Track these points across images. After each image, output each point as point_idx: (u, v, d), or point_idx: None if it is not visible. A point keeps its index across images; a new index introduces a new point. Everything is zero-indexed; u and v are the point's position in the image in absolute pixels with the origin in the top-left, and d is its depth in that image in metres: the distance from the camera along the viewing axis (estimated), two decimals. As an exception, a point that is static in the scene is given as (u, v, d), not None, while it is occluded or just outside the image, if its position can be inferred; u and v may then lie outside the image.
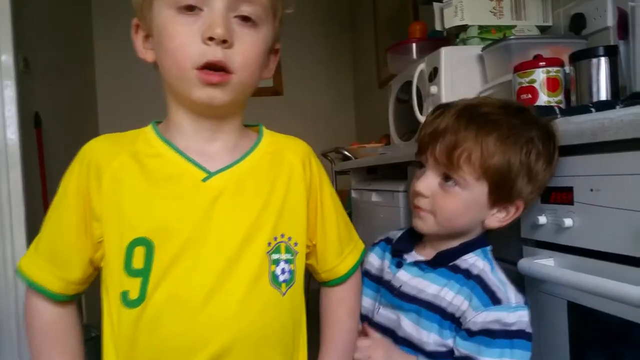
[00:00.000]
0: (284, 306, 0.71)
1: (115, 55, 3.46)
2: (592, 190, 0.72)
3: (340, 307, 0.82)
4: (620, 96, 1.05)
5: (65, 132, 2.95)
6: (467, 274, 0.78)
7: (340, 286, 0.81)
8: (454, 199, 0.77)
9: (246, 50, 0.66)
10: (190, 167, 0.69)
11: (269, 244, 0.70)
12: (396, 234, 0.91)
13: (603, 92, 1.07)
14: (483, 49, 1.47)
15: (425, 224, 0.81)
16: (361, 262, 0.83)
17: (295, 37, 3.65)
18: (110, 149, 0.70)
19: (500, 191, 0.76)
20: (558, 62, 1.19)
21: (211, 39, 0.63)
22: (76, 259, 0.69)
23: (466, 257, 0.79)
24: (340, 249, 0.80)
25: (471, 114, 0.76)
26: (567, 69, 1.17)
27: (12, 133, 1.89)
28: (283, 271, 0.71)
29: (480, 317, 0.73)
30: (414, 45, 1.84)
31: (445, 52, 1.52)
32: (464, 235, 0.82)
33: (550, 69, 1.17)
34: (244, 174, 0.71)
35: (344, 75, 3.91)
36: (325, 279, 0.81)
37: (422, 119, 1.63)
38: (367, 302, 0.89)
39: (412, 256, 0.85)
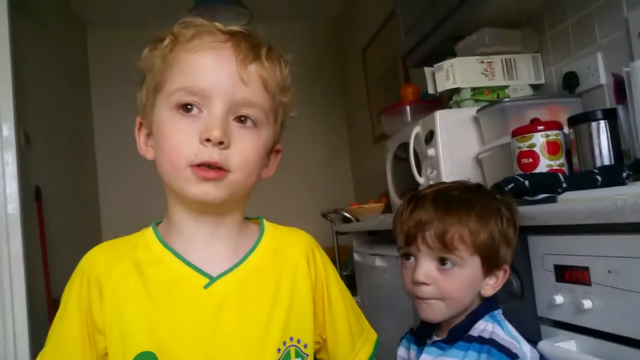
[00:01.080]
0: None
1: (115, 129, 3.51)
2: (610, 271, 0.69)
3: None
4: (624, 159, 1.04)
5: (66, 204, 2.94)
6: (480, 340, 0.78)
7: None
8: (456, 279, 0.79)
9: (244, 150, 0.65)
10: (192, 273, 0.66)
11: (279, 350, 0.66)
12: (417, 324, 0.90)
13: (606, 155, 1.06)
14: (478, 111, 1.47)
15: (435, 311, 0.80)
16: (375, 353, 0.80)
17: (288, 97, 3.70)
18: (110, 259, 0.68)
19: (490, 261, 0.80)
20: (556, 125, 1.18)
21: (208, 140, 0.62)
22: None
23: (477, 325, 0.80)
24: (352, 344, 0.76)
25: (446, 200, 0.81)
26: (567, 130, 1.17)
27: (14, 209, 1.90)
28: None
29: None
30: (407, 108, 1.85)
31: (440, 115, 1.52)
32: (467, 309, 0.82)
33: (549, 132, 1.17)
34: (246, 276, 0.68)
35: (338, 132, 3.94)
36: None
37: (421, 180, 1.62)
38: None
39: (432, 339, 0.84)
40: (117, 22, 3.58)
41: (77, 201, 3.23)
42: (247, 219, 0.75)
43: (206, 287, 0.66)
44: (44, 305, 2.40)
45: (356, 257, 2.10)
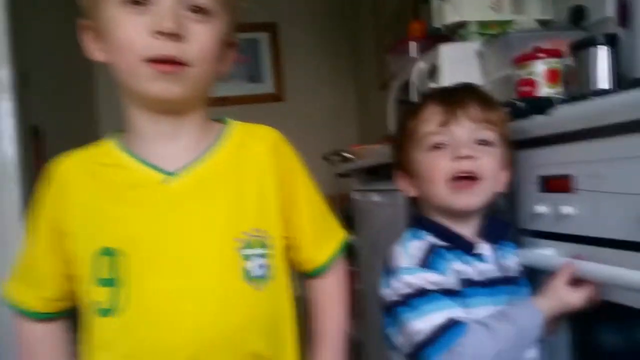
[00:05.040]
0: (263, 302, 0.69)
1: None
2: (593, 176, 0.69)
3: (325, 298, 0.80)
4: (622, 85, 1.02)
5: (67, 144, 2.95)
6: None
7: (323, 277, 0.79)
8: (494, 158, 0.78)
9: (201, 43, 0.63)
10: (149, 171, 0.68)
11: (238, 240, 0.68)
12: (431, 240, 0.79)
13: (604, 81, 1.04)
14: (482, 44, 1.45)
15: (474, 194, 0.77)
16: (344, 250, 0.80)
17: (295, 42, 3.65)
18: (72, 165, 0.71)
19: (504, 157, 0.80)
20: (557, 53, 1.17)
21: (160, 33, 0.60)
22: (48, 276, 0.72)
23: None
24: (317, 239, 0.77)
25: (479, 89, 0.86)
26: (568, 60, 1.15)
27: (9, 145, 1.87)
28: (260, 266, 0.69)
29: None
30: (413, 44, 1.82)
31: (444, 49, 1.50)
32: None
33: (550, 60, 1.15)
34: (207, 171, 0.69)
35: (345, 78, 3.88)
36: (305, 270, 0.79)
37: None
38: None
39: (479, 246, 0.79)
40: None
41: (78, 140, 3.24)
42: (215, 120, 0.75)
43: (163, 182, 0.67)
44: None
45: (355, 195, 2.11)
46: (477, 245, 0.78)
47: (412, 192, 0.83)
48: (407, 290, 0.73)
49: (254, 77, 3.61)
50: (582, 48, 1.08)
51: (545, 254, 0.75)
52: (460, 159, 0.74)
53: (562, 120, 0.74)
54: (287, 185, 0.74)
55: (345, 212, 2.76)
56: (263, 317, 0.69)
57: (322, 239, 0.78)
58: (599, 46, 1.05)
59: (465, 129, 0.76)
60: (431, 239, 0.78)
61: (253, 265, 0.68)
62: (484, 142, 0.76)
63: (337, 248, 0.79)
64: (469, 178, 0.74)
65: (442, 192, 0.76)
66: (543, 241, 0.79)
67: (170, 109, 0.67)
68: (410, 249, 0.77)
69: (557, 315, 0.72)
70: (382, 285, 0.79)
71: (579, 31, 1.36)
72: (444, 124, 0.76)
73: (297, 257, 0.77)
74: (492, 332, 0.68)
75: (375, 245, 1.84)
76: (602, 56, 1.05)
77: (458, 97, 0.79)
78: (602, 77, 1.04)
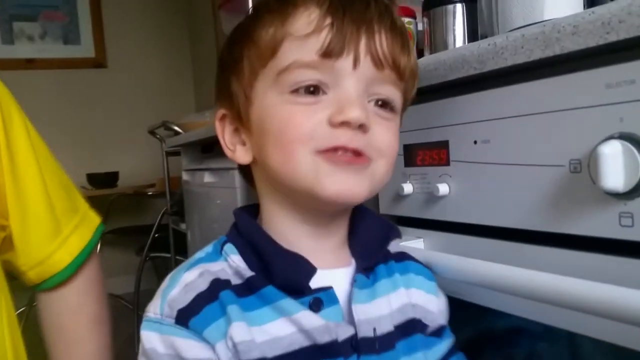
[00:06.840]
0: None
1: None
2: (475, 142, 0.53)
3: (77, 318, 0.55)
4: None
5: None
6: (399, 256, 0.52)
7: (68, 286, 0.54)
8: (394, 133, 0.47)
9: None
10: None
11: None
12: (221, 268, 0.46)
13: (460, 41, 0.92)
14: (327, 3, 1.28)
15: (361, 181, 0.45)
16: (98, 242, 0.57)
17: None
18: None
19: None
20: (410, 13, 1.04)
21: None
22: None
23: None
24: (55, 227, 0.53)
25: (386, 7, 0.48)
26: (420, 25, 1.03)
27: None
28: None
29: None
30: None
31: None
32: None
33: (403, 19, 1.02)
34: None
35: (179, 41, 3.48)
36: (37, 279, 0.53)
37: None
38: None
39: (326, 275, 0.45)
40: None
41: None
42: None
43: None
44: None
45: (185, 176, 1.84)
46: (318, 274, 0.44)
47: (242, 156, 0.47)
48: None
49: (70, 38, 3.06)
50: (436, 5, 0.95)
51: (412, 247, 0.59)
52: (344, 126, 0.41)
53: (435, 68, 0.57)
54: (8, 141, 0.49)
55: (178, 197, 2.46)
56: None
57: (66, 227, 0.54)
58: (455, 4, 0.93)
59: (362, 74, 0.43)
60: (236, 263, 0.45)
61: None
62: (383, 104, 0.45)
63: (90, 239, 0.56)
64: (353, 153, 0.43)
65: (304, 167, 0.42)
66: (410, 230, 0.62)
67: None
68: (176, 284, 0.44)
69: None
70: None
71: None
72: (330, 53, 0.41)
73: (21, 260, 0.51)
74: None
75: (209, 236, 1.60)
76: (458, 15, 0.93)
77: (363, 11, 0.43)
78: (458, 38, 0.93)
